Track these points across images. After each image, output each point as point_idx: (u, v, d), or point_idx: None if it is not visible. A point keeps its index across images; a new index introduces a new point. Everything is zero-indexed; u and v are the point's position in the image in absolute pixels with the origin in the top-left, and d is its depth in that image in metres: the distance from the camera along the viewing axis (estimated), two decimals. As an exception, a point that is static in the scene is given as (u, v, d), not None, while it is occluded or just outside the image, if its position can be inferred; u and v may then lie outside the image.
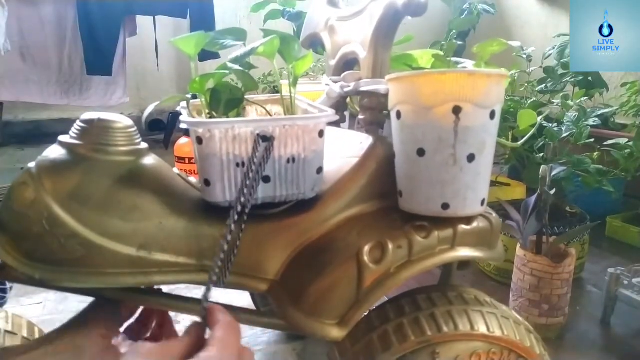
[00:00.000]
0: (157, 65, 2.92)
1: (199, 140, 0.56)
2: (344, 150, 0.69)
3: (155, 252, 0.57)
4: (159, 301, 0.66)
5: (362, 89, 0.69)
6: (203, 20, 2.71)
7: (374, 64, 0.67)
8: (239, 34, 0.65)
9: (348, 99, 0.81)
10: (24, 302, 1.43)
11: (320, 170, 0.62)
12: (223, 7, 2.99)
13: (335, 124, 0.80)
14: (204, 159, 0.57)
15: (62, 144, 0.58)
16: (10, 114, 2.88)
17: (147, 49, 2.93)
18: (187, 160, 2.01)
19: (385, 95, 0.64)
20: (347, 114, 0.81)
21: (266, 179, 0.59)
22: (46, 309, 1.40)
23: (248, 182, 0.54)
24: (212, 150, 0.56)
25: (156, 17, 2.82)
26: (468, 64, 0.77)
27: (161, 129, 2.81)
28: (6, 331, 0.74)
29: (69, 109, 2.79)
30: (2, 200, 0.57)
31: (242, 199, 0.54)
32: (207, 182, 0.58)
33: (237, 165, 0.57)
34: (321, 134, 0.60)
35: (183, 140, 2.07)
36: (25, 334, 0.77)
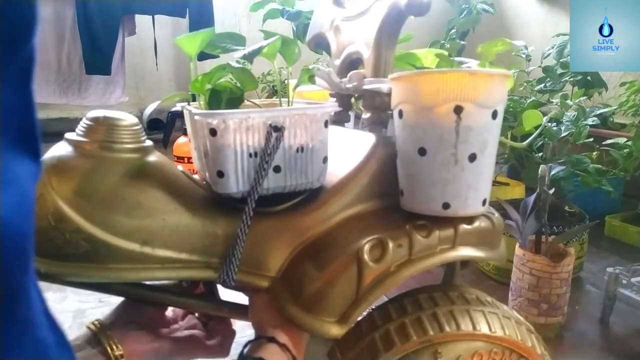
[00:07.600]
0: (156, 64, 2.91)
1: (213, 132, 0.56)
2: (346, 149, 0.70)
3: (158, 248, 0.57)
4: (164, 298, 0.67)
5: (364, 87, 0.69)
6: (202, 19, 2.71)
7: (377, 63, 0.68)
8: (238, 39, 0.66)
9: (352, 99, 0.82)
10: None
11: (325, 159, 0.63)
12: (222, 7, 2.98)
13: (340, 123, 0.80)
14: (218, 150, 0.57)
15: (68, 141, 0.59)
16: (9, 113, 2.87)
17: (146, 48, 2.93)
18: (186, 160, 2.01)
19: (388, 95, 0.64)
20: (351, 113, 0.81)
21: (277, 169, 0.60)
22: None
23: (263, 173, 0.57)
24: (227, 142, 0.56)
25: (155, 16, 2.82)
26: (472, 63, 0.77)
27: (160, 128, 2.81)
28: None
29: (68, 108, 2.78)
30: None
31: (257, 189, 0.56)
32: (220, 174, 0.58)
33: (250, 155, 0.58)
34: (326, 124, 0.62)
35: (182, 139, 2.07)
36: None
